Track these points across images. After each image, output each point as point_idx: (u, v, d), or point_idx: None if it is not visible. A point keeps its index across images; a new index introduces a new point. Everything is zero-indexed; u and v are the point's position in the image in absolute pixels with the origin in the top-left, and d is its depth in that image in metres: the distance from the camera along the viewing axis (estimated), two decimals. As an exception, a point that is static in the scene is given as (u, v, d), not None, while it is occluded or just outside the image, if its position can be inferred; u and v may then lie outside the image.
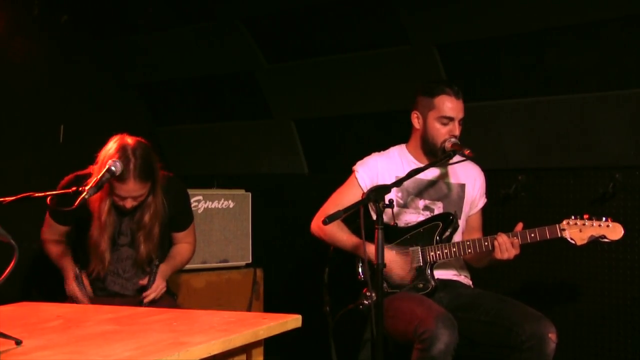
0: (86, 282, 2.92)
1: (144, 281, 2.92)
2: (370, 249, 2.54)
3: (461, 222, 3.04)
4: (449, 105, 2.89)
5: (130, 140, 2.79)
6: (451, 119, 2.90)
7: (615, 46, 3.18)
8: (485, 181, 3.14)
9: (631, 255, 3.30)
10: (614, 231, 2.70)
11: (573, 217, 2.74)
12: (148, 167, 2.77)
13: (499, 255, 2.77)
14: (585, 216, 2.73)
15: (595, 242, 2.73)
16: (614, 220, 2.71)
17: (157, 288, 2.90)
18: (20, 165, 3.91)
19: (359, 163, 3.08)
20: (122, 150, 2.72)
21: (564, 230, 2.74)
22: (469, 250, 2.84)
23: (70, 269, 2.94)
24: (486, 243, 2.82)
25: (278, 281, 4.29)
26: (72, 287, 2.89)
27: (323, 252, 3.08)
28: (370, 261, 2.62)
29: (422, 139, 2.98)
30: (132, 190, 2.75)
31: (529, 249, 2.87)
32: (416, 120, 3.00)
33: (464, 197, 3.05)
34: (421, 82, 3.09)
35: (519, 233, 2.78)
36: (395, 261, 2.88)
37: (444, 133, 2.90)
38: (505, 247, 2.76)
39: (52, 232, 3.04)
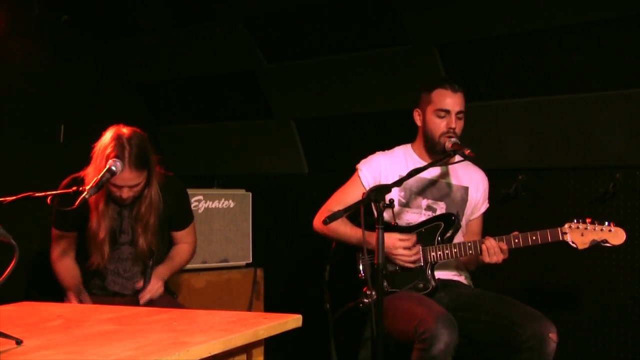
0: (87, 299, 2.91)
1: (140, 283, 2.92)
2: (372, 238, 2.52)
3: (462, 225, 3.03)
4: (445, 98, 2.90)
5: (125, 130, 2.80)
6: (447, 112, 2.90)
7: (615, 46, 3.18)
8: (489, 185, 3.14)
9: (631, 256, 3.30)
10: (617, 236, 2.69)
11: (575, 221, 2.73)
12: (143, 155, 2.77)
13: (487, 259, 2.78)
14: (588, 220, 2.72)
15: (597, 246, 2.72)
16: (616, 225, 2.70)
17: (153, 289, 2.90)
18: (20, 165, 3.91)
19: (362, 161, 3.07)
20: (118, 140, 2.73)
21: (565, 233, 2.73)
22: (470, 252, 2.84)
23: (74, 300, 2.93)
24: (470, 251, 2.82)
25: (278, 281, 4.29)
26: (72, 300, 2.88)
27: (323, 252, 3.08)
28: (371, 256, 2.62)
29: (423, 136, 2.99)
30: (127, 178, 2.75)
31: (529, 250, 2.87)
32: (417, 117, 3.01)
33: (467, 200, 3.05)
34: (424, 81, 3.10)
35: (512, 237, 2.77)
36: (398, 246, 2.85)
37: (442, 127, 2.90)
38: (494, 251, 2.76)
39: (60, 247, 3.00)
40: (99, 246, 2.88)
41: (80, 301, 2.92)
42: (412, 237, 2.88)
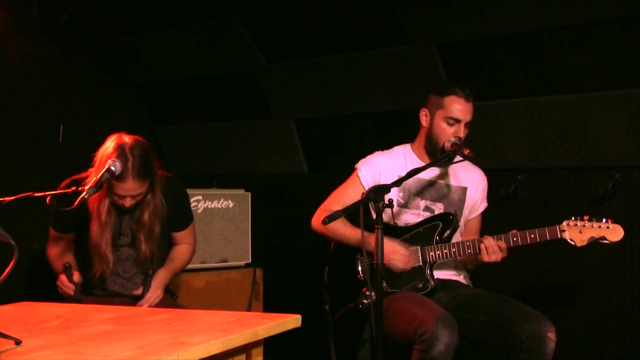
0: (76, 274, 2.86)
1: (138, 291, 2.91)
2: (372, 239, 2.53)
3: (460, 225, 3.03)
4: (458, 107, 2.89)
5: (127, 139, 2.78)
6: (457, 121, 2.89)
7: (615, 46, 3.18)
8: (488, 185, 3.14)
9: (631, 255, 3.30)
10: (614, 232, 2.70)
11: (573, 218, 2.74)
12: (146, 165, 2.76)
13: (485, 258, 2.78)
14: (586, 217, 2.73)
15: (595, 244, 2.73)
16: (614, 222, 2.71)
17: (152, 297, 2.90)
18: (20, 165, 3.91)
19: (361, 161, 3.07)
20: (120, 149, 2.71)
21: (564, 231, 2.73)
22: (469, 251, 2.84)
23: (62, 264, 2.91)
24: (469, 250, 2.83)
25: (278, 281, 4.29)
26: (62, 278, 2.84)
27: (323, 252, 3.08)
28: (370, 258, 2.62)
29: (426, 137, 2.98)
30: (130, 189, 2.75)
31: (528, 249, 2.87)
32: (424, 118, 2.99)
33: (465, 201, 3.04)
34: (436, 81, 3.10)
35: (511, 235, 2.78)
36: (397, 252, 2.86)
37: (449, 134, 2.90)
38: (493, 249, 2.76)
39: (58, 246, 3.01)
40: (103, 256, 2.88)
41: (72, 281, 2.86)
42: (411, 249, 2.89)
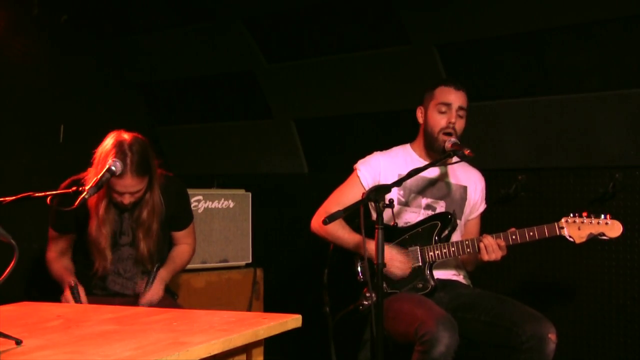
0: (82, 293, 2.87)
1: (140, 287, 2.92)
2: (371, 246, 2.53)
3: (460, 224, 3.03)
4: (447, 94, 2.92)
5: (126, 136, 2.79)
6: (448, 106, 2.90)
7: (615, 46, 3.18)
8: (486, 186, 3.14)
9: (631, 255, 3.30)
10: (613, 228, 2.69)
11: (572, 215, 2.73)
12: (145, 162, 2.77)
13: (485, 257, 2.78)
14: (584, 214, 2.72)
15: (594, 240, 2.72)
16: (612, 218, 2.71)
17: (154, 293, 2.90)
18: (20, 165, 3.91)
19: (360, 161, 3.07)
20: (119, 146, 2.72)
21: (562, 228, 2.73)
22: (468, 250, 2.84)
23: (67, 281, 2.91)
24: (468, 249, 2.82)
25: (278, 281, 4.29)
26: (67, 296, 2.85)
27: (323, 252, 3.09)
28: (370, 260, 2.62)
29: (424, 134, 2.99)
30: (129, 185, 2.75)
31: (528, 249, 2.87)
32: (420, 115, 3.02)
33: (466, 199, 3.05)
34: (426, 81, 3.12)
35: (510, 233, 2.78)
36: (395, 259, 2.87)
37: (442, 122, 2.91)
38: (492, 248, 2.76)
39: (57, 248, 3.00)
40: (102, 252, 2.88)
41: (73, 292, 2.85)
42: (407, 255, 2.90)
